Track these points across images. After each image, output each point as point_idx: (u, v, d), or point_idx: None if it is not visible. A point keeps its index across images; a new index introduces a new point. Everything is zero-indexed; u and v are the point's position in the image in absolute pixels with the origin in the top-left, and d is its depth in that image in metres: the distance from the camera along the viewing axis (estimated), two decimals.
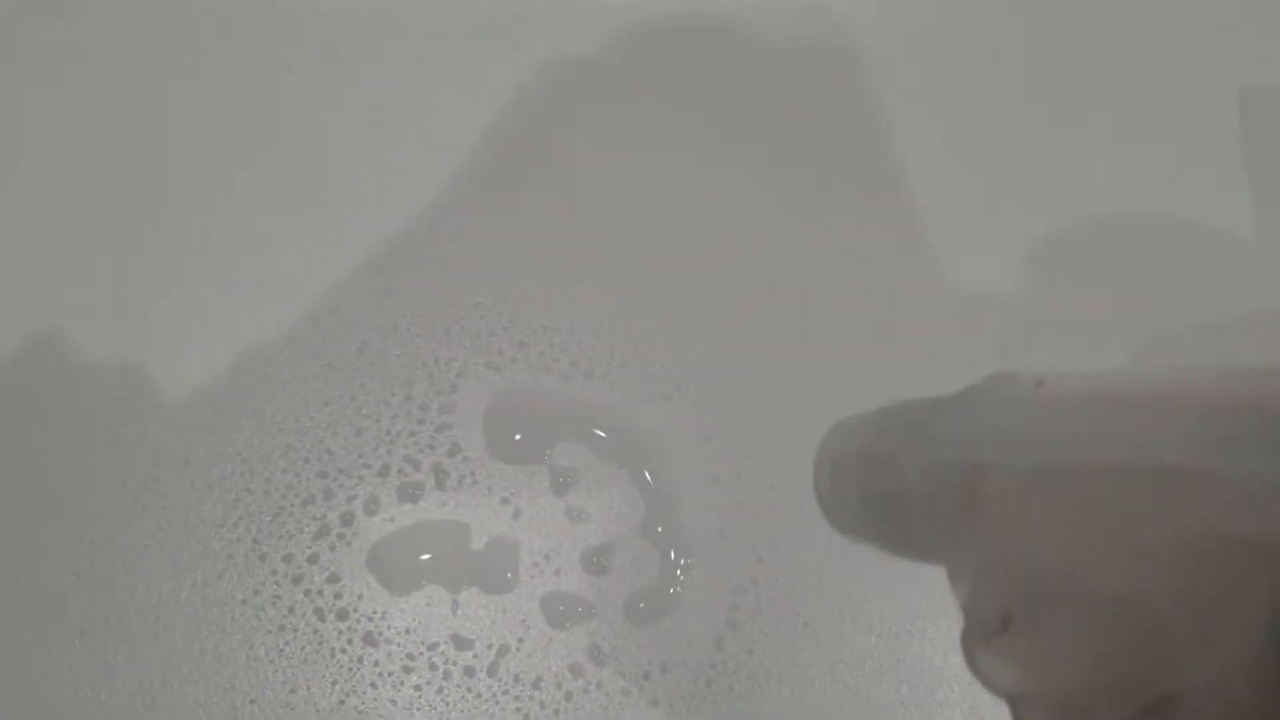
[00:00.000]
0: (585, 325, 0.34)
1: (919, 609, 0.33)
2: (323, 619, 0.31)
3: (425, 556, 0.32)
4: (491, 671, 0.31)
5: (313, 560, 0.31)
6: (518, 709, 0.31)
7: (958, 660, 0.33)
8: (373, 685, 0.31)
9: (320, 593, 0.31)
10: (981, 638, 0.15)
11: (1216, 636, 0.12)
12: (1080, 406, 0.15)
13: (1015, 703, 0.15)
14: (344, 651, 0.31)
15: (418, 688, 0.31)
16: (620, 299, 0.34)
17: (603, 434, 0.33)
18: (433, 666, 0.31)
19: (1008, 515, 0.14)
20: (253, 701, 0.30)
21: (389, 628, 0.31)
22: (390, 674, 0.31)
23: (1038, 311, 0.35)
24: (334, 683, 0.31)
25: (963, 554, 0.15)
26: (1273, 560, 0.12)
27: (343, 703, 0.31)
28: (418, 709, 0.31)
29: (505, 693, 0.31)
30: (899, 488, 0.17)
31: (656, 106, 0.35)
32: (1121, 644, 0.13)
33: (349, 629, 0.31)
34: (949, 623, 0.33)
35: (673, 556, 0.33)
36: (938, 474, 0.16)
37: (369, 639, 0.31)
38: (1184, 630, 0.12)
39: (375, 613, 0.31)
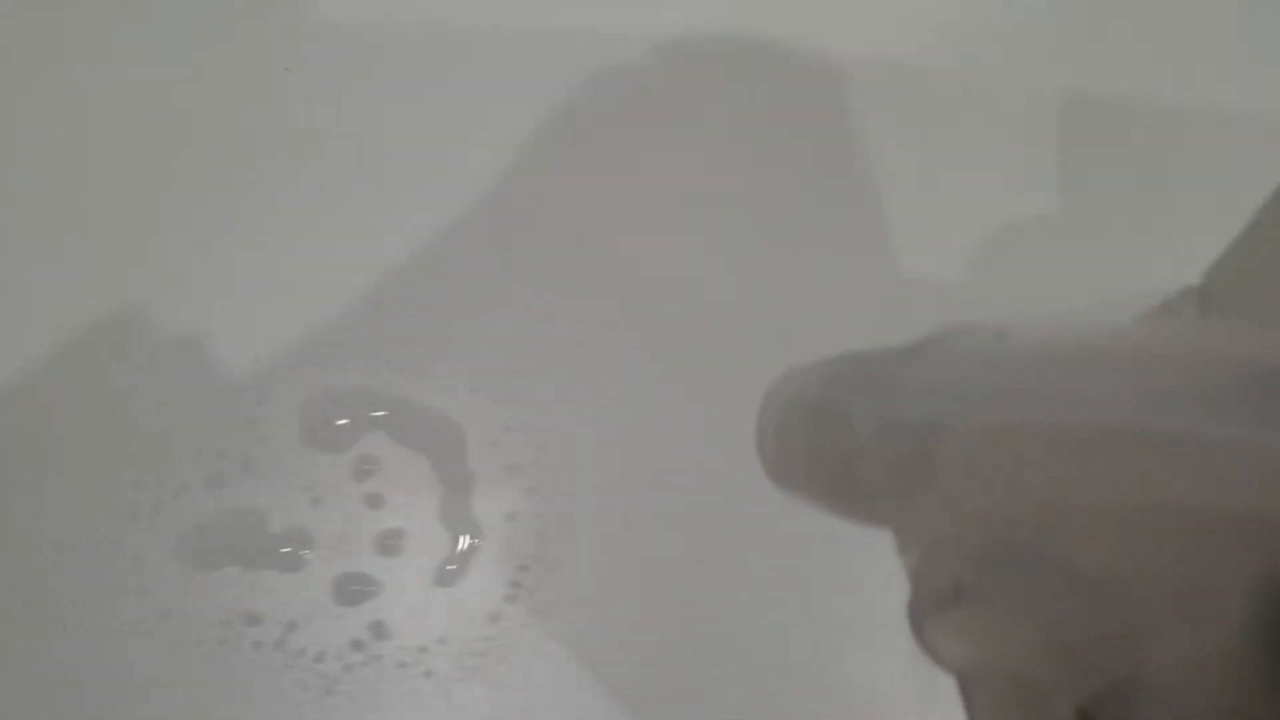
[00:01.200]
0: (396, 322, 0.36)
1: (698, 585, 0.33)
2: (124, 595, 0.33)
3: (227, 539, 0.34)
4: (278, 645, 0.33)
5: (118, 542, 0.33)
6: (296, 680, 0.32)
7: (734, 628, 0.32)
8: (164, 658, 0.32)
9: (124, 572, 0.33)
10: (930, 609, 0.14)
11: (1189, 615, 0.11)
12: (1046, 362, 0.14)
13: (964, 679, 0.14)
14: (141, 624, 0.33)
15: (206, 659, 0.32)
16: (429, 294, 0.36)
17: (405, 425, 0.35)
18: (223, 641, 0.33)
19: (964, 480, 0.14)
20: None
21: (187, 605, 0.33)
22: (179, 646, 0.32)
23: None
24: (127, 655, 0.32)
25: (914, 518, 0.14)
26: (1257, 536, 0.11)
27: (131, 674, 0.32)
28: (202, 680, 0.32)
29: (289, 665, 0.32)
30: (849, 445, 0.16)
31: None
32: (1080, 621, 0.12)
33: (147, 605, 0.33)
34: (722, 597, 0.33)
35: (463, 539, 0.34)
36: (891, 434, 0.15)
37: (164, 615, 0.33)
38: (1152, 608, 0.12)
39: (174, 591, 0.33)
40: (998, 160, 0.39)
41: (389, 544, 0.34)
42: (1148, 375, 0.13)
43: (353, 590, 0.33)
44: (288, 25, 0.39)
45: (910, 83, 0.39)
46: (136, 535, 0.34)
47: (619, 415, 0.35)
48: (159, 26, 0.39)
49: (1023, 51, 0.40)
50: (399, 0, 0.39)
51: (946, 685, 0.14)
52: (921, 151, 0.38)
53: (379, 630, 0.33)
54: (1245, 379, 0.12)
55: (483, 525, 0.34)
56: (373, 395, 0.35)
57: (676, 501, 0.34)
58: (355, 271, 0.36)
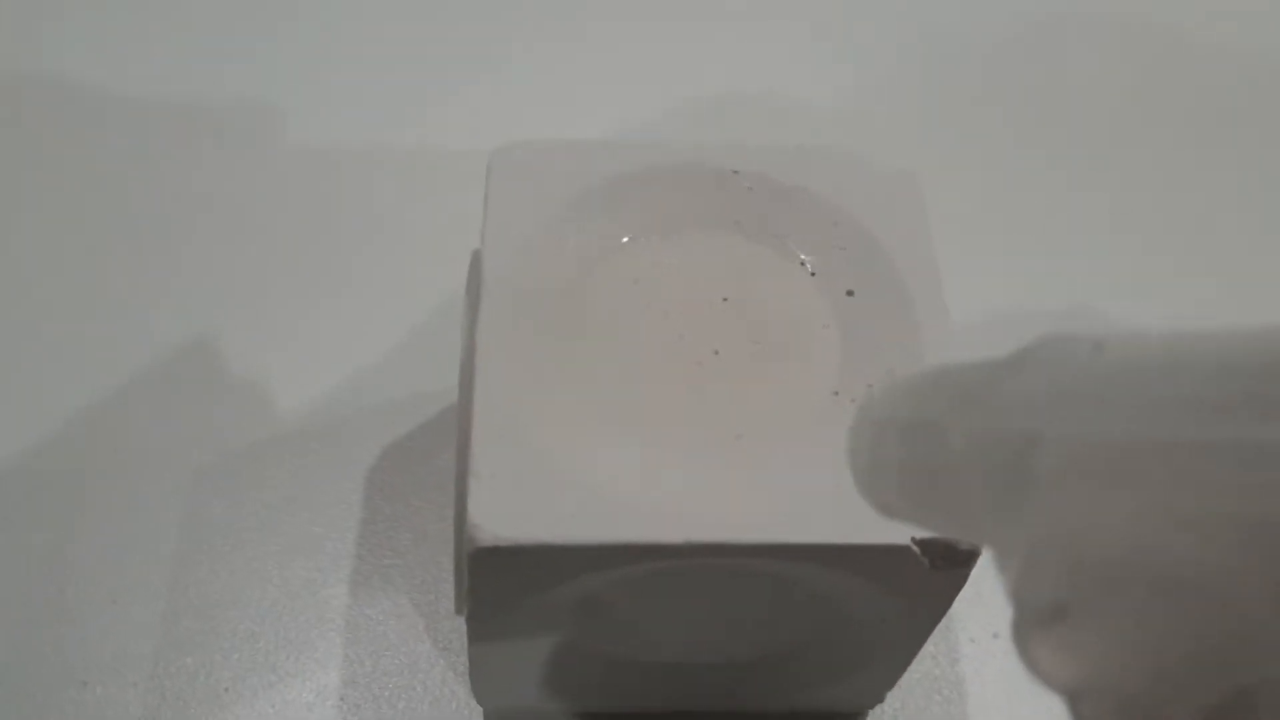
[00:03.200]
0: None
1: None
2: None
3: None
4: None
5: None
6: None
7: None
8: None
9: None
10: (1033, 627, 0.14)
11: None
12: (1142, 372, 0.14)
13: (1073, 698, 0.14)
14: None
15: None
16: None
17: None
18: None
19: (1062, 493, 0.13)
20: None
21: None
22: None
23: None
24: None
25: (1012, 533, 0.14)
26: None
27: None
28: None
29: None
30: (945, 459, 0.15)
31: None
32: (1192, 633, 0.12)
33: None
34: None
35: None
36: (987, 446, 0.15)
37: None
38: (1267, 614, 0.11)
39: None
40: (1090, 168, 0.39)
41: None
42: (1253, 383, 0.12)
43: None
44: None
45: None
46: None
47: None
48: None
49: None
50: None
51: None
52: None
53: None
54: None
55: None
56: None
57: None
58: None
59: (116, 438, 0.31)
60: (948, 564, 0.20)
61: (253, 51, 0.41)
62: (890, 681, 0.26)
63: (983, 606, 0.29)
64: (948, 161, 0.38)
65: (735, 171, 0.25)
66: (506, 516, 0.20)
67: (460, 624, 0.28)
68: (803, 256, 0.24)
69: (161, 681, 0.27)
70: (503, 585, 0.21)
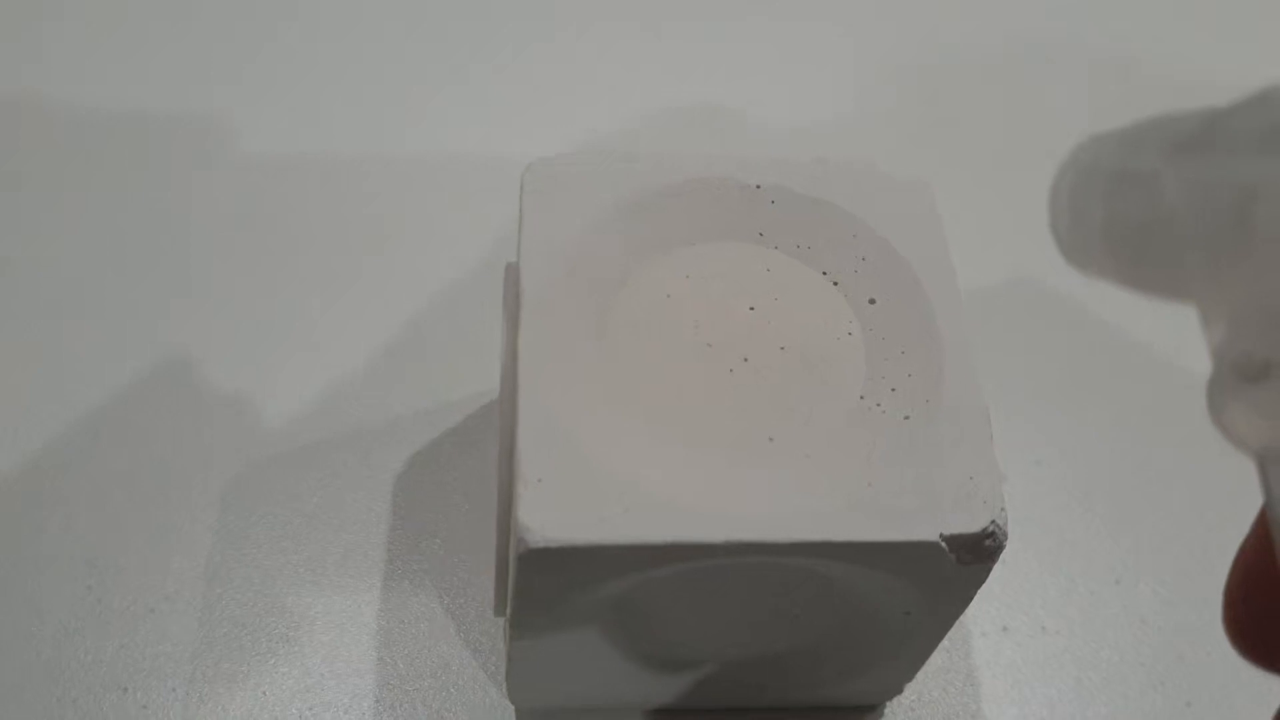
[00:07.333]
0: None
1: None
2: None
3: None
4: None
5: None
6: None
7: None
8: None
9: None
10: (1234, 385, 0.13)
11: None
12: None
13: (1265, 459, 0.13)
14: None
15: None
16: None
17: None
18: None
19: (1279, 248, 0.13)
20: None
21: None
22: None
23: None
24: None
25: (1224, 289, 0.13)
26: None
27: None
28: None
29: None
30: (1155, 211, 0.14)
31: None
32: None
33: None
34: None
35: None
36: (1203, 195, 0.14)
37: None
38: None
39: None
40: None
41: None
42: None
43: None
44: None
45: None
46: None
47: None
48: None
49: None
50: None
51: None
52: None
53: None
54: None
55: None
56: None
57: None
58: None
59: (149, 450, 0.32)
60: (974, 559, 0.22)
61: (253, 52, 0.41)
62: (910, 674, 0.27)
63: (993, 601, 0.30)
64: (942, 173, 0.39)
65: (758, 185, 0.26)
66: (555, 519, 0.21)
67: (491, 626, 0.29)
68: (825, 266, 0.25)
69: (200, 686, 0.28)
70: (548, 585, 0.22)
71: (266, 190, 0.38)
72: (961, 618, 0.30)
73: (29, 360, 0.33)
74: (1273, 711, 0.15)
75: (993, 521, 0.21)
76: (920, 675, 0.28)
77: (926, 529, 0.21)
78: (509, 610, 0.23)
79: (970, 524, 0.21)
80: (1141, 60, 0.44)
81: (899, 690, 0.28)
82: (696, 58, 0.43)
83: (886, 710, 0.29)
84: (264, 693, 0.28)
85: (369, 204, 0.38)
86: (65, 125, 0.39)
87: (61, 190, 0.37)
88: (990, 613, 0.30)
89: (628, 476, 0.21)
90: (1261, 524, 0.16)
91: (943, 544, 0.21)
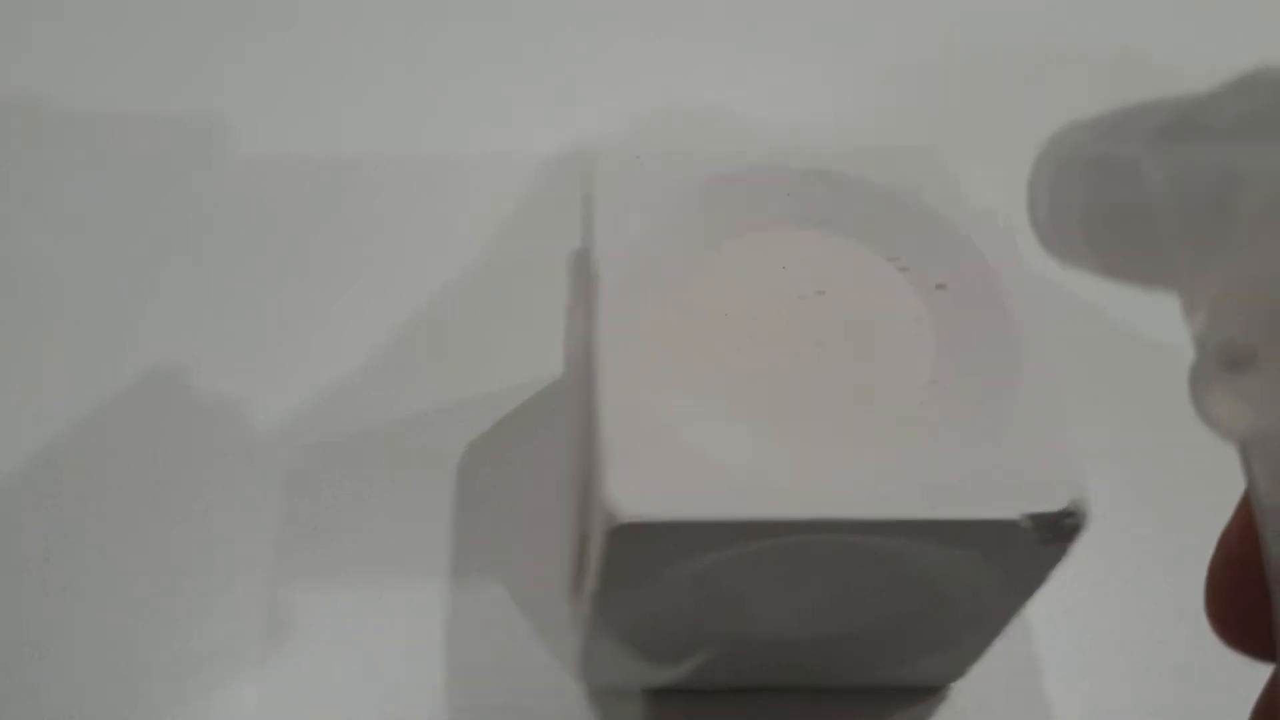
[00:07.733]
0: None
1: None
2: None
3: None
4: None
5: None
6: None
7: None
8: None
9: None
10: (1215, 372, 0.13)
11: None
12: None
13: (1246, 447, 0.13)
14: None
15: None
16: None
17: None
18: None
19: (1266, 236, 0.12)
20: None
21: None
22: None
23: None
24: None
25: (1205, 276, 0.13)
26: None
27: None
28: None
29: None
30: (1136, 198, 0.14)
31: None
32: None
33: None
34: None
35: None
36: (1185, 181, 0.13)
37: None
38: None
39: None
40: None
41: None
42: None
43: None
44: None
45: None
46: None
47: None
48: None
49: None
50: None
51: None
52: None
53: None
54: None
55: None
56: None
57: None
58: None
59: (210, 443, 0.32)
60: (1055, 538, 0.22)
61: (253, 52, 0.42)
62: (976, 656, 0.27)
63: (1056, 582, 0.31)
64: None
65: (823, 172, 0.27)
66: (643, 495, 0.21)
67: (556, 608, 0.30)
68: (892, 252, 0.26)
69: (271, 669, 0.28)
70: (632, 562, 0.22)
71: (266, 189, 0.38)
72: None
73: (29, 360, 0.34)
74: (1272, 699, 0.15)
75: (1073, 500, 0.22)
76: (984, 658, 0.28)
77: (1009, 508, 0.21)
78: (588, 589, 0.24)
79: (1051, 503, 0.21)
80: (1133, 53, 0.44)
81: (963, 673, 0.28)
82: (697, 58, 0.43)
83: (951, 691, 0.29)
84: (334, 682, 0.28)
85: (371, 202, 0.38)
86: (64, 125, 0.39)
87: (61, 190, 0.38)
88: (1053, 594, 0.30)
89: (714, 455, 0.22)
90: (1244, 511, 0.16)
91: (1026, 522, 0.21)
